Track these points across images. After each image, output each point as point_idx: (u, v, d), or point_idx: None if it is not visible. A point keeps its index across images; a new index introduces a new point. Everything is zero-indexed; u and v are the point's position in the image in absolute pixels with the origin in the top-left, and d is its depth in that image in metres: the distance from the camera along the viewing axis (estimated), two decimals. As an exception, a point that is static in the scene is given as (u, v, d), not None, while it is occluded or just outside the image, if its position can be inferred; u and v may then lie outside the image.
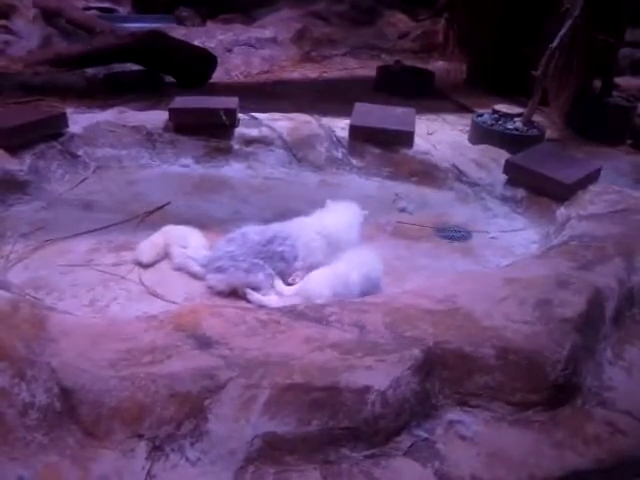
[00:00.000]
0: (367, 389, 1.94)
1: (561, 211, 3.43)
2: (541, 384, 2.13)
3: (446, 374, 2.11)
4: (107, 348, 2.05)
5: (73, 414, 1.90)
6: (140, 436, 1.86)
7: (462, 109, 5.47)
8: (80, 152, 3.96)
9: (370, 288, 2.69)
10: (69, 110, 4.12)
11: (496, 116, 4.58)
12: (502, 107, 4.64)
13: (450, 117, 5.12)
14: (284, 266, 2.83)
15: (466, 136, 4.64)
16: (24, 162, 3.66)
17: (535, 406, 2.11)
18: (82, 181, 3.83)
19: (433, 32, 7.83)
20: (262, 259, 2.76)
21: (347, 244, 2.88)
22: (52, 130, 3.93)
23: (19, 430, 1.90)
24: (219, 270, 2.75)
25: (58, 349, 2.04)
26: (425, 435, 2.00)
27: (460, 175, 3.97)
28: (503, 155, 3.96)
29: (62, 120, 4.00)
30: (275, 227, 2.92)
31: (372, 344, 2.11)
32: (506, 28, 5.80)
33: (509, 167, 3.77)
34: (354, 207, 3.05)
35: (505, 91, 5.46)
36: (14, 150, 3.66)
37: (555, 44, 4.31)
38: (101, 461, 1.83)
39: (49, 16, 6.68)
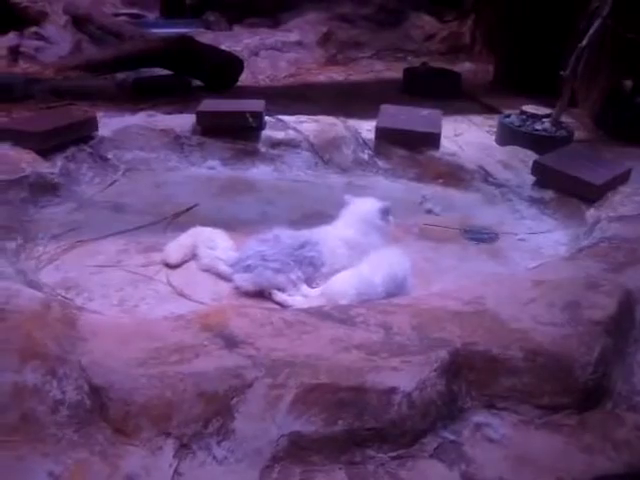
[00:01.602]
0: (393, 390, 1.93)
1: (591, 212, 3.38)
2: (570, 387, 2.09)
3: (473, 376, 2.10)
4: (136, 347, 2.07)
5: (102, 411, 1.92)
6: (168, 434, 1.87)
7: (489, 110, 5.43)
8: (110, 155, 3.99)
9: (396, 289, 2.67)
10: (99, 114, 4.17)
11: (524, 117, 4.53)
12: (530, 108, 4.59)
13: (477, 118, 5.09)
14: (311, 271, 2.84)
15: (493, 137, 4.60)
16: (55, 165, 3.70)
17: (564, 409, 2.08)
18: (112, 183, 3.86)
19: (459, 34, 7.78)
20: (293, 262, 2.78)
21: (372, 246, 2.87)
22: (83, 133, 3.98)
23: (50, 427, 1.92)
24: (247, 269, 2.76)
25: (88, 348, 2.07)
26: (452, 437, 1.98)
27: (487, 176, 3.94)
28: (531, 156, 3.92)
29: (92, 124, 4.05)
30: (306, 233, 2.93)
31: (398, 345, 2.11)
32: (533, 28, 5.74)
33: (537, 168, 3.73)
34: (373, 202, 3.03)
35: (533, 92, 5.39)
36: (46, 153, 3.71)
37: (584, 43, 4.25)
38: (130, 458, 1.84)
39: (79, 22, 6.80)
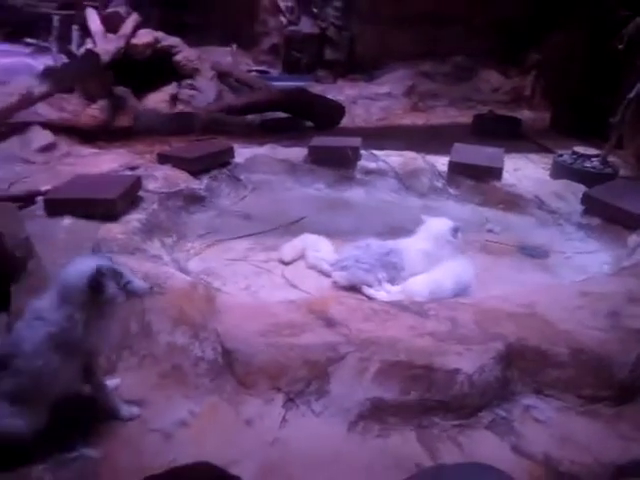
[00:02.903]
0: (457, 371, 1.90)
1: (632, 238, 3.15)
2: (609, 382, 1.98)
3: (524, 366, 2.02)
4: (257, 322, 2.13)
5: (231, 368, 1.99)
6: (278, 389, 1.92)
7: (545, 150, 5.18)
8: (242, 177, 4.08)
9: (461, 291, 2.62)
10: (235, 145, 4.28)
11: (575, 156, 4.29)
12: (581, 149, 4.35)
13: (534, 157, 4.88)
14: (394, 273, 2.81)
15: (548, 173, 4.39)
16: (202, 182, 3.82)
17: (603, 401, 1.97)
18: (242, 198, 3.94)
19: (521, 87, 7.49)
20: (379, 265, 2.77)
21: (443, 257, 2.83)
22: (223, 160, 4.08)
23: (192, 376, 2.01)
24: (344, 268, 2.77)
25: (222, 320, 2.15)
26: (504, 414, 1.92)
27: (541, 204, 3.76)
28: (581, 189, 3.70)
29: (230, 153, 4.15)
30: (391, 243, 2.91)
31: (462, 336, 2.06)
32: (586, 82, 5.44)
33: (586, 199, 3.53)
34: (444, 222, 2.97)
35: (583, 136, 5.11)
36: (196, 174, 3.84)
37: (632, 95, 4.00)
38: (249, 405, 1.90)
39: (222, 76, 7.01)
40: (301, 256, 3.05)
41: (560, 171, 4.22)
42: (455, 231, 2.93)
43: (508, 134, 5.57)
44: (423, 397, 1.87)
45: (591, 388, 1.98)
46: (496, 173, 4.02)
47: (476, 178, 4.02)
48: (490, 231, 3.58)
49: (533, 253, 3.27)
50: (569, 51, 5.81)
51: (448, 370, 1.90)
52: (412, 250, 2.87)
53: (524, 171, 4.32)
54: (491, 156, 4.23)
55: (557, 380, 2.00)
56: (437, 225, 2.95)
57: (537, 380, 2.01)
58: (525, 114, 6.64)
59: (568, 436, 1.86)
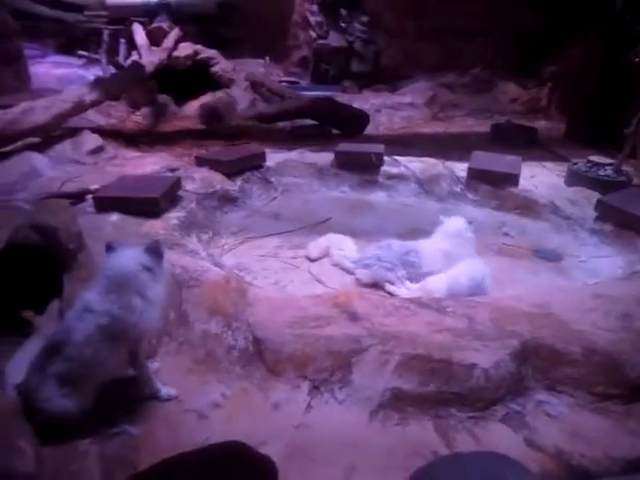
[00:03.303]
0: (473, 366, 1.88)
1: (645, 243, 3.07)
2: (620, 382, 1.93)
3: (538, 363, 1.99)
4: (285, 314, 2.14)
5: (260, 356, 2.00)
6: (304, 377, 1.93)
7: (560, 159, 5.05)
8: (272, 179, 4.10)
9: (478, 290, 2.58)
10: (267, 150, 4.28)
11: (590, 165, 4.18)
12: (595, 157, 4.23)
13: (549, 164, 4.76)
14: (413, 271, 2.80)
15: (562, 180, 4.28)
16: (236, 184, 3.84)
17: (613, 399, 1.92)
18: (272, 199, 3.94)
19: (538, 98, 7.32)
20: (400, 263, 2.76)
21: (460, 255, 2.79)
22: (255, 163, 4.08)
23: (224, 362, 2.04)
24: (366, 266, 2.77)
25: (253, 311, 2.16)
26: (517, 408, 1.90)
27: (556, 210, 3.68)
28: (594, 196, 3.61)
29: (262, 157, 4.15)
30: (411, 244, 2.90)
31: (479, 332, 2.04)
32: (600, 94, 5.30)
33: (600, 205, 3.43)
34: (462, 222, 2.93)
35: (598, 145, 4.97)
36: (230, 176, 3.86)
37: (646, 107, 3.88)
38: (276, 391, 1.92)
39: (255, 86, 7.04)
40: (326, 254, 3.05)
41: (575, 178, 4.11)
42: (468, 226, 2.90)
43: (524, 143, 5.45)
44: (441, 389, 1.85)
45: (602, 386, 1.93)
46: (513, 179, 3.94)
47: (493, 184, 3.95)
48: (506, 235, 3.52)
49: (548, 256, 3.21)
50: (585, 64, 5.67)
51: (465, 364, 1.88)
52: (430, 250, 2.84)
53: (540, 178, 4.23)
54: (509, 163, 4.15)
55: (570, 378, 1.96)
56: (453, 224, 2.91)
57: (550, 377, 1.97)
58: (541, 124, 6.48)
59: (579, 431, 1.82)
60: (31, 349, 1.86)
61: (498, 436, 1.80)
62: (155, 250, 1.78)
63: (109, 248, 1.80)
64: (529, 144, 5.47)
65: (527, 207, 3.78)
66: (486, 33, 7.55)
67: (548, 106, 6.99)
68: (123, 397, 1.87)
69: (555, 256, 3.21)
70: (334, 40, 8.15)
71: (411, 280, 2.77)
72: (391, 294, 2.65)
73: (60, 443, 1.68)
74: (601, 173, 4.08)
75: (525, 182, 3.99)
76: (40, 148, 4.03)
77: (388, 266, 2.72)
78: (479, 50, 7.67)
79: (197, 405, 1.87)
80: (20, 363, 1.82)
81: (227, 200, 3.68)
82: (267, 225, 3.48)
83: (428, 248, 2.86)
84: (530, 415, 1.88)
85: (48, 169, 3.83)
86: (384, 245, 2.86)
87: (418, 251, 2.84)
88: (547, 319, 2.13)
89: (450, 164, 4.26)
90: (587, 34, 5.77)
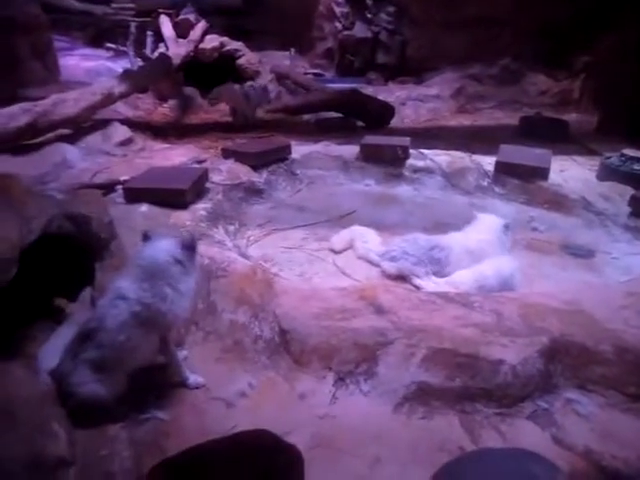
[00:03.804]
0: (501, 362, 1.86)
1: (681, 241, 2.98)
2: (654, 382, 1.89)
3: (568, 361, 1.95)
4: (311, 305, 2.15)
5: (287, 347, 2.02)
6: (330, 368, 1.93)
7: (592, 153, 4.92)
8: (298, 172, 4.10)
9: (506, 286, 2.54)
10: (292, 142, 4.29)
11: (623, 159, 4.05)
12: (629, 151, 4.10)
13: (580, 159, 4.65)
14: (437, 268, 2.76)
15: (594, 174, 4.17)
16: (262, 176, 3.87)
17: (647, 399, 1.88)
18: (298, 191, 3.96)
19: (569, 90, 7.12)
20: (425, 259, 2.73)
21: (491, 254, 2.73)
22: (281, 155, 4.11)
23: (251, 353, 2.06)
24: (393, 259, 2.76)
25: (280, 302, 2.18)
26: (545, 406, 1.87)
27: (587, 205, 3.58)
28: (628, 191, 3.51)
29: (288, 149, 4.17)
30: (437, 239, 2.85)
31: (507, 328, 2.01)
32: (635, 85, 5.13)
33: (634, 201, 3.34)
34: (496, 219, 2.88)
35: (632, 139, 4.82)
36: (256, 168, 3.89)
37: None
38: (302, 381, 1.93)
39: (280, 78, 7.07)
40: (350, 246, 3.04)
41: (607, 173, 4.00)
42: (506, 228, 2.84)
43: (555, 136, 5.32)
44: (467, 384, 1.84)
45: (635, 387, 1.89)
46: (543, 173, 3.85)
47: (522, 178, 3.87)
48: (535, 230, 3.45)
49: (578, 252, 3.13)
50: (619, 54, 5.48)
51: (492, 360, 1.86)
52: (459, 246, 2.79)
53: (570, 172, 4.13)
54: (538, 157, 4.06)
55: (601, 377, 1.92)
56: (489, 221, 2.86)
57: (580, 375, 1.93)
58: (572, 117, 6.33)
59: (610, 431, 1.78)
60: (64, 335, 1.91)
61: (525, 433, 1.78)
62: (189, 245, 1.80)
63: (145, 237, 1.84)
64: (560, 137, 5.33)
65: (557, 202, 3.70)
66: (515, 22, 7.37)
67: (580, 98, 6.81)
68: (153, 384, 1.91)
69: (586, 252, 3.13)
70: (360, 31, 8.07)
71: (437, 275, 2.74)
72: (417, 287, 2.63)
73: (92, 427, 1.73)
74: (635, 167, 3.96)
75: (555, 176, 3.91)
76: (71, 139, 4.13)
77: (414, 260, 2.70)
78: (508, 40, 7.49)
79: (224, 394, 1.90)
80: (53, 349, 1.87)
81: (253, 192, 3.71)
82: (292, 217, 3.49)
83: (456, 244, 2.81)
84: (559, 413, 1.85)
85: (79, 160, 3.92)
86: (410, 239, 2.84)
87: (444, 247, 2.79)
88: (577, 316, 2.09)
89: (477, 157, 4.19)
90: (621, 23, 5.58)
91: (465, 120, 6.51)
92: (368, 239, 3.02)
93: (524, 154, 4.11)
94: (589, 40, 6.65)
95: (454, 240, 2.85)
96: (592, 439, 1.75)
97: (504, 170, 3.94)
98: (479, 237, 2.79)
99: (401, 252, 2.74)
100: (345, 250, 3.05)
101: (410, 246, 2.76)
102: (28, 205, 1.86)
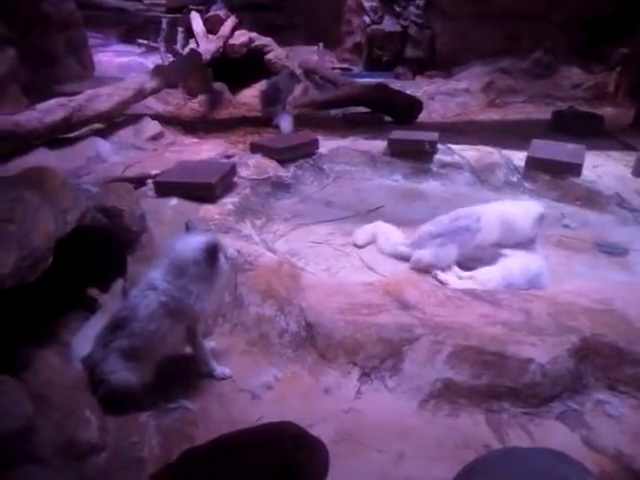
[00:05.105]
0: (530, 360, 1.83)
1: None
2: (690, 385, 1.82)
3: (599, 361, 1.90)
4: (337, 300, 2.15)
5: (312, 341, 2.02)
6: (355, 363, 1.93)
7: (627, 148, 4.75)
8: (325, 166, 4.08)
9: (534, 283, 2.49)
10: (320, 137, 4.28)
11: (661, 155, 3.92)
12: (668, 147, 3.97)
13: (615, 154, 4.49)
14: (468, 236, 2.68)
15: (630, 170, 4.03)
16: (289, 171, 3.86)
17: (681, 403, 1.81)
18: (324, 186, 3.93)
19: (604, 83, 6.88)
20: (451, 231, 2.68)
21: (521, 230, 2.67)
22: (308, 150, 4.08)
23: (277, 346, 2.07)
24: (420, 245, 2.74)
25: (306, 296, 2.18)
26: (575, 407, 1.83)
27: (622, 202, 3.47)
28: (666, 188, 3.40)
29: (315, 144, 4.15)
30: (461, 210, 2.81)
31: (536, 327, 1.97)
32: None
33: (671, 198, 3.22)
34: (536, 204, 2.83)
35: (671, 134, 4.64)
36: (283, 163, 3.88)
37: None
38: (327, 376, 1.93)
39: (308, 73, 7.05)
40: (373, 241, 3.02)
41: (644, 169, 3.86)
42: (542, 218, 2.77)
43: (588, 131, 5.15)
44: (494, 382, 1.81)
45: (670, 389, 1.82)
46: (575, 169, 3.74)
47: (553, 174, 3.76)
48: (566, 227, 3.35)
49: (611, 250, 3.04)
50: (659, 46, 5.28)
51: (521, 359, 1.83)
52: (491, 213, 2.72)
53: (604, 168, 3.99)
54: (571, 152, 3.94)
55: (633, 378, 1.87)
56: (529, 204, 2.80)
57: (611, 376, 1.88)
58: (607, 111, 6.10)
59: (642, 434, 1.73)
60: (96, 324, 1.97)
61: (554, 434, 1.75)
62: (212, 251, 1.81)
63: (188, 228, 1.91)
64: (594, 132, 5.16)
65: (590, 198, 3.59)
66: (548, 14, 7.16)
67: (616, 92, 6.58)
68: (180, 374, 1.95)
69: (619, 250, 3.03)
70: (388, 25, 7.99)
71: (464, 248, 2.67)
72: (442, 283, 2.60)
73: (122, 414, 1.77)
74: (674, 164, 3.81)
75: (588, 172, 3.79)
76: (104, 134, 4.22)
77: (440, 241, 2.66)
78: (540, 33, 7.29)
79: (250, 385, 1.92)
80: (86, 337, 1.93)
81: (280, 186, 3.71)
82: (319, 212, 3.48)
83: (488, 211, 2.74)
84: (589, 414, 1.81)
85: (111, 154, 4.01)
86: (435, 221, 2.81)
87: (470, 215, 2.73)
88: (609, 316, 2.03)
89: (507, 153, 4.09)
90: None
91: (495, 115, 6.36)
92: (390, 235, 2.99)
93: (556, 149, 4.00)
94: (626, 31, 6.41)
95: (486, 208, 2.78)
96: (623, 441, 1.71)
97: (535, 166, 3.84)
98: (516, 211, 2.71)
99: (427, 235, 2.70)
100: (367, 245, 3.03)
101: (434, 226, 2.73)
102: (64, 198, 1.91)
